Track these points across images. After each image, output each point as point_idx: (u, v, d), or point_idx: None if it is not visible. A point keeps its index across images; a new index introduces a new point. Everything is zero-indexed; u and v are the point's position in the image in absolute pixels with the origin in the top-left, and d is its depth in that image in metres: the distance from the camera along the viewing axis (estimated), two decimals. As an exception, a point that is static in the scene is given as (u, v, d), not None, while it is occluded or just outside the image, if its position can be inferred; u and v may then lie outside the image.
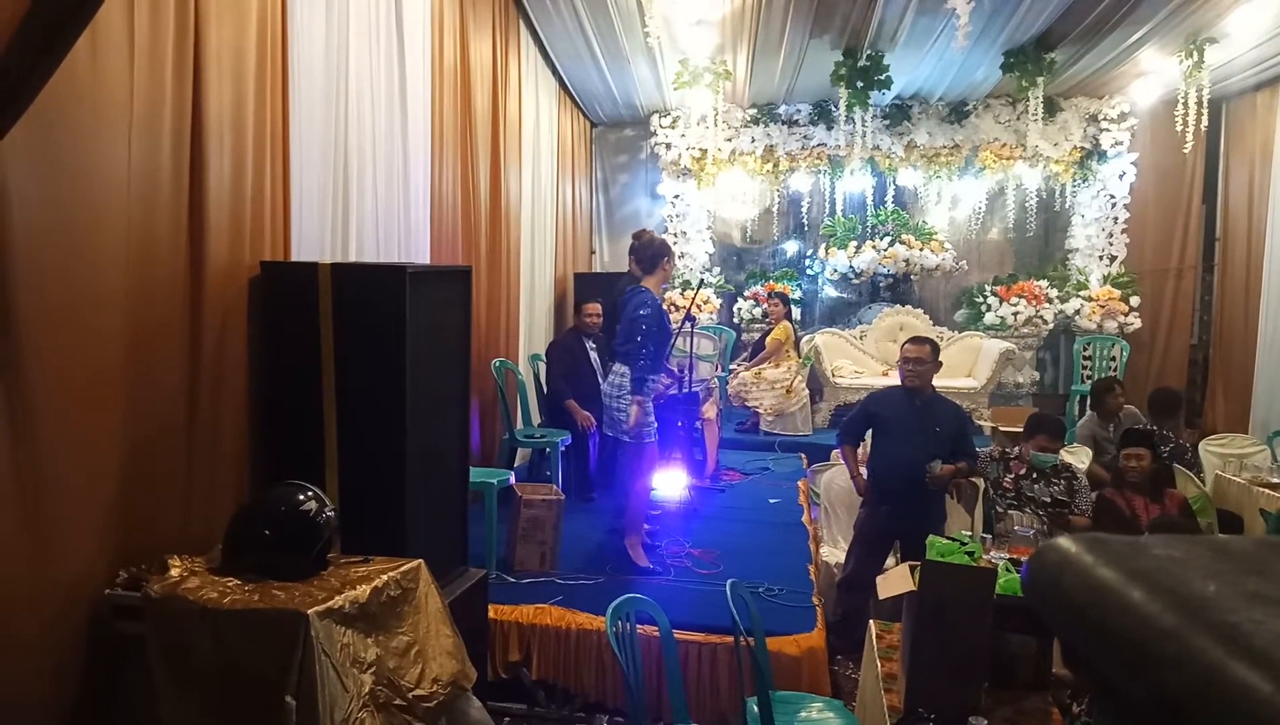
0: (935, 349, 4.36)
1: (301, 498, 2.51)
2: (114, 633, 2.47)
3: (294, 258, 3.35)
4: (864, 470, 4.50)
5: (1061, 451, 4.68)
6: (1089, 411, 6.20)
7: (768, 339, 7.74)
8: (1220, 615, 0.42)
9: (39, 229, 2.25)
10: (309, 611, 2.18)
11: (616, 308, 4.58)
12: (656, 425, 4.47)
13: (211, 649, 2.22)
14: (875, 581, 4.11)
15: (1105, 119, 8.33)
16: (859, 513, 4.50)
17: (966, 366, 8.09)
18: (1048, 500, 4.35)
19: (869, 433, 4.57)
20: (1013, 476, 4.46)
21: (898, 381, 4.46)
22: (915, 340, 4.39)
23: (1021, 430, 4.72)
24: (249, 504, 2.60)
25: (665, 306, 8.42)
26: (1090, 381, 8.21)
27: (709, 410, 6.36)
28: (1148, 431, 4.83)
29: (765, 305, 8.58)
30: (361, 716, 2.22)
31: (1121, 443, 4.38)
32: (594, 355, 6.02)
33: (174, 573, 2.39)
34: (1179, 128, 6.98)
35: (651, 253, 4.44)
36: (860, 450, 4.66)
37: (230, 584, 2.34)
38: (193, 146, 2.79)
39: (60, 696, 2.40)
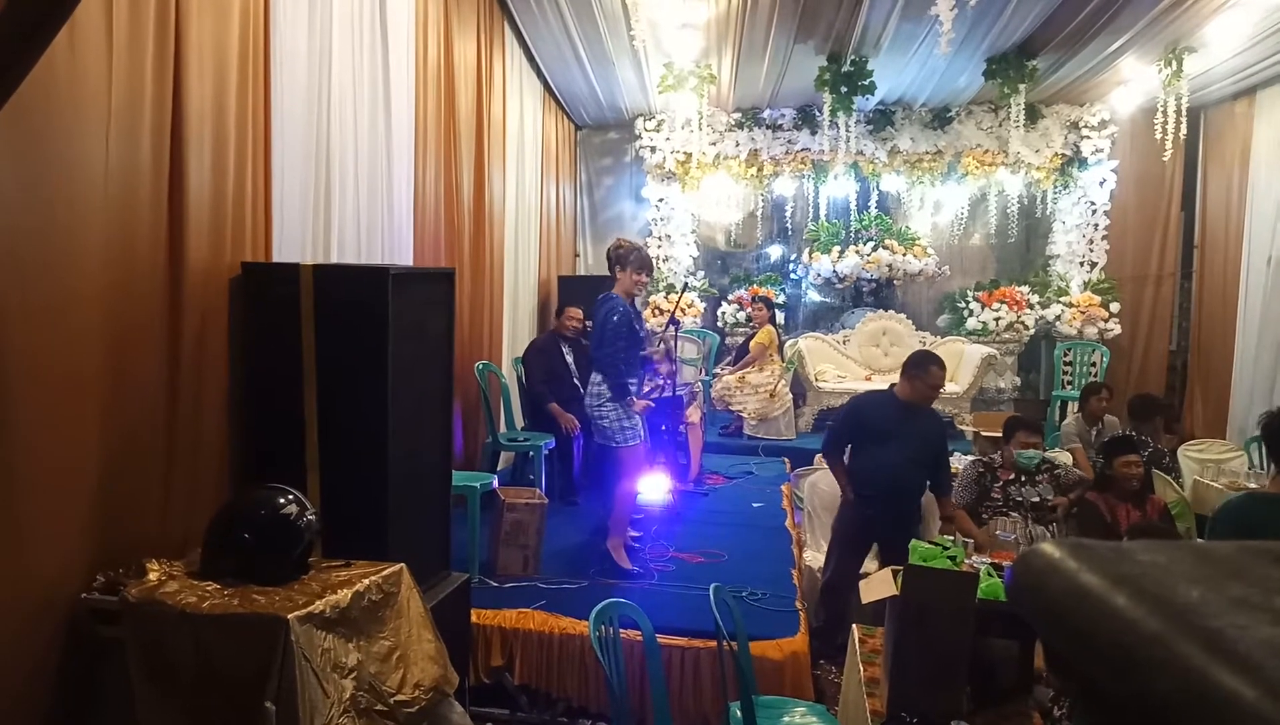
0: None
1: (282, 501, 2.49)
2: (92, 636, 2.45)
3: (275, 258, 3.33)
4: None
5: (1045, 453, 4.75)
6: (1075, 412, 6.26)
7: (752, 343, 7.76)
8: (1204, 621, 0.42)
9: (16, 226, 2.22)
10: (289, 616, 2.16)
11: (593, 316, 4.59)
12: (641, 428, 4.46)
13: (190, 653, 2.20)
14: (856, 584, 4.17)
15: (1086, 126, 8.41)
16: (837, 516, 4.51)
17: (948, 371, 8.09)
18: (1036, 501, 4.41)
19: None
20: (1001, 483, 4.50)
21: (879, 386, 4.47)
22: (939, 364, 4.27)
23: (1000, 435, 4.77)
24: (229, 507, 2.58)
25: (649, 310, 8.46)
26: (1071, 387, 8.30)
27: (692, 414, 6.36)
28: (1136, 438, 4.90)
29: (749, 309, 8.61)
30: (342, 722, 2.20)
31: (1114, 451, 4.42)
32: (570, 358, 6.01)
33: (152, 576, 2.37)
34: (1158, 135, 7.06)
35: (620, 256, 4.45)
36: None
37: (209, 588, 2.32)
38: (173, 145, 2.76)
39: (37, 701, 2.37)
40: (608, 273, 4.63)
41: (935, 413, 4.49)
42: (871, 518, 4.24)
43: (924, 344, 8.36)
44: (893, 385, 4.37)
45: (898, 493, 4.20)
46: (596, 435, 4.56)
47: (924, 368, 4.17)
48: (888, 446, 4.20)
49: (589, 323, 5.38)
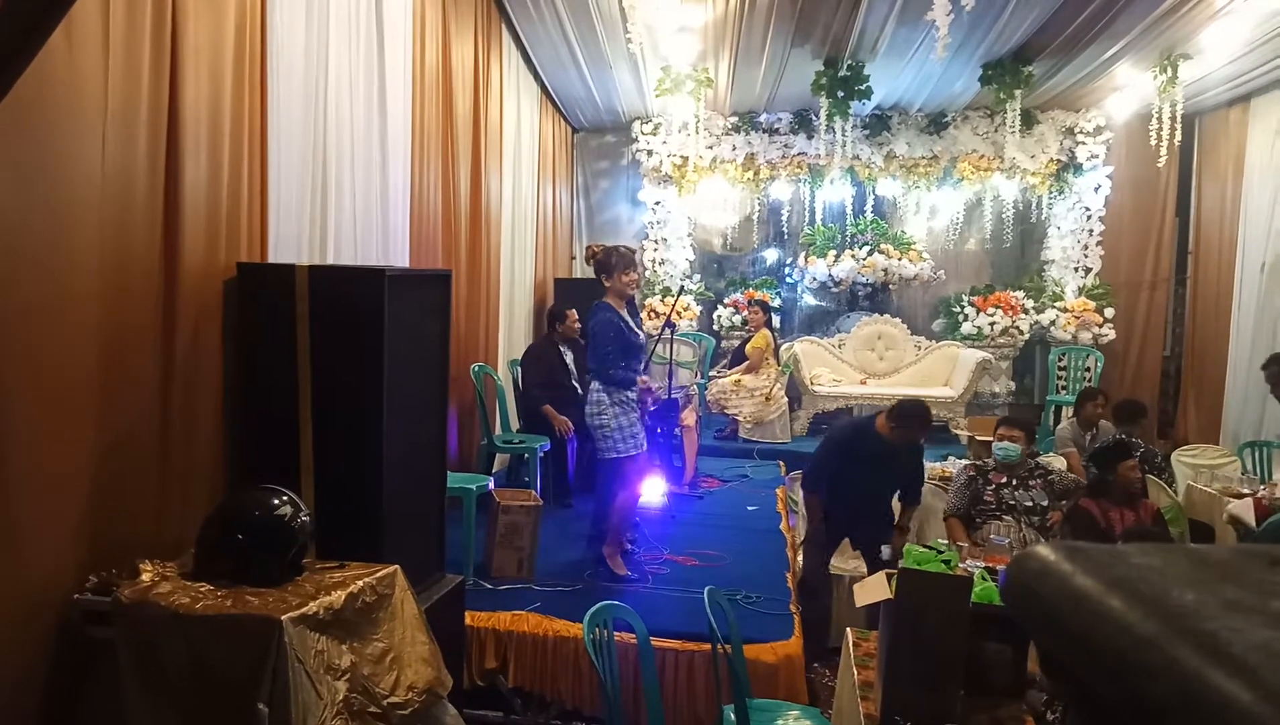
0: None
1: (276, 502, 2.48)
2: (83, 638, 2.43)
3: (271, 259, 3.32)
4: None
5: (1040, 457, 4.78)
6: (1071, 417, 6.28)
7: (748, 347, 7.76)
8: (1199, 623, 0.42)
9: (10, 226, 2.22)
10: (283, 617, 2.15)
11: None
12: (642, 437, 4.44)
13: (183, 655, 2.19)
14: (828, 580, 4.41)
15: (1081, 132, 8.43)
16: (811, 527, 4.64)
17: (943, 376, 8.15)
18: (1029, 504, 4.41)
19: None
20: (993, 487, 4.50)
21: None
22: (926, 423, 4.39)
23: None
24: (222, 508, 2.57)
25: (645, 313, 8.47)
26: (1065, 392, 8.31)
27: (688, 417, 6.36)
28: (1131, 442, 4.92)
29: (745, 313, 8.62)
30: (335, 724, 2.19)
31: (1115, 457, 4.43)
32: (570, 360, 6.00)
33: (145, 577, 2.36)
34: (1153, 142, 7.08)
35: (602, 265, 4.48)
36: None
37: (203, 589, 2.31)
38: (169, 145, 2.76)
39: (27, 702, 2.36)
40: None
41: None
42: (844, 524, 4.46)
43: (919, 349, 8.41)
44: (875, 416, 4.49)
45: (873, 505, 4.43)
46: (599, 446, 4.49)
47: (912, 426, 4.29)
48: (869, 474, 4.38)
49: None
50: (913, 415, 4.29)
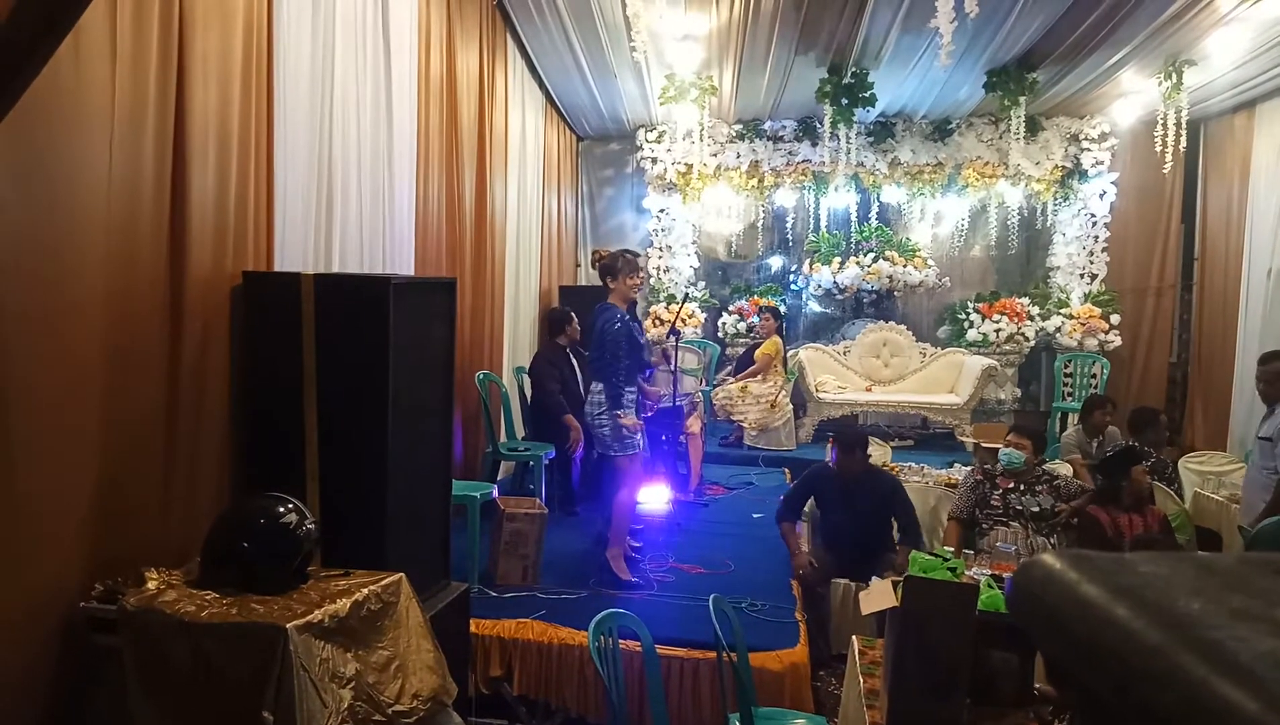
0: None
1: (281, 509, 2.49)
2: (89, 645, 2.44)
3: (277, 268, 3.33)
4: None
5: (1046, 464, 4.77)
6: (1077, 424, 6.26)
7: (758, 352, 7.75)
8: (1205, 632, 0.42)
9: (16, 234, 2.22)
10: (288, 625, 2.15)
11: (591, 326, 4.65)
12: (640, 437, 4.47)
13: (188, 663, 2.19)
14: (828, 580, 4.42)
15: (1086, 139, 8.42)
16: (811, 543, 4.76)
17: (949, 383, 8.13)
18: (1036, 510, 4.41)
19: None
20: (1000, 492, 4.50)
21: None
22: (864, 447, 4.64)
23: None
24: (228, 516, 2.57)
25: (650, 320, 8.48)
26: (1071, 398, 8.29)
27: (693, 424, 6.36)
28: (1142, 451, 4.91)
29: (750, 319, 8.62)
30: (340, 732, 2.19)
31: (1128, 463, 4.42)
32: (577, 366, 6.01)
33: (151, 585, 2.37)
34: (1158, 148, 7.07)
35: (608, 267, 4.56)
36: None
37: (208, 597, 2.31)
38: (175, 154, 2.77)
39: (32, 710, 2.36)
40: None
41: (879, 473, 4.77)
42: (845, 565, 4.52)
43: (924, 356, 8.40)
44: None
45: (862, 541, 4.48)
46: (597, 444, 4.59)
47: (851, 452, 4.53)
48: (844, 511, 4.54)
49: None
50: (854, 442, 4.53)
